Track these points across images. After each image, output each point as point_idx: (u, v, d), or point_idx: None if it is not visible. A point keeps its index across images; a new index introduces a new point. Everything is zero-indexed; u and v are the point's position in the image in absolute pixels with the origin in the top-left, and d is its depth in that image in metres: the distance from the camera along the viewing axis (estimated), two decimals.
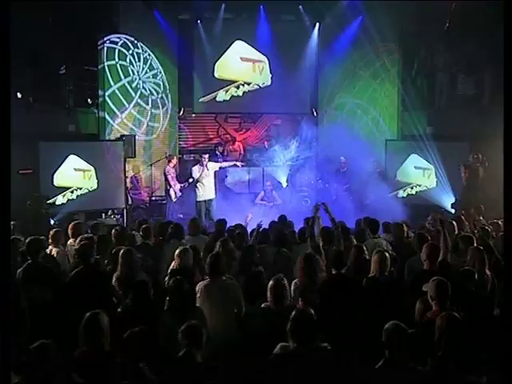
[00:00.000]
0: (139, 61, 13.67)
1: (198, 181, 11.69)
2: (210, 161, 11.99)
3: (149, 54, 13.78)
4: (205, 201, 11.77)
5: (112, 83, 13.29)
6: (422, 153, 12.46)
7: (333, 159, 13.49)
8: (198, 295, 5.48)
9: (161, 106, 14.17)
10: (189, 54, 14.10)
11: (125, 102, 13.56)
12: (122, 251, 6.05)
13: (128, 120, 13.66)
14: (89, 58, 12.80)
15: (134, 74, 13.64)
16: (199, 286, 5.54)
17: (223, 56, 14.16)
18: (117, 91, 13.39)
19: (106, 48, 13.07)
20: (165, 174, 12.52)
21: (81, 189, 11.83)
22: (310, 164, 14.04)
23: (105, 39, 13.02)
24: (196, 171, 11.73)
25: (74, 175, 11.73)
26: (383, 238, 7.74)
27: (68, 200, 11.59)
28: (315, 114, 14.76)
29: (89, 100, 12.96)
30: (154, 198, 13.21)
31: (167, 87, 14.20)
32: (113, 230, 7.41)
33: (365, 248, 6.08)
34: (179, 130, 14.74)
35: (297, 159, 14.05)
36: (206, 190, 11.78)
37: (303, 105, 14.60)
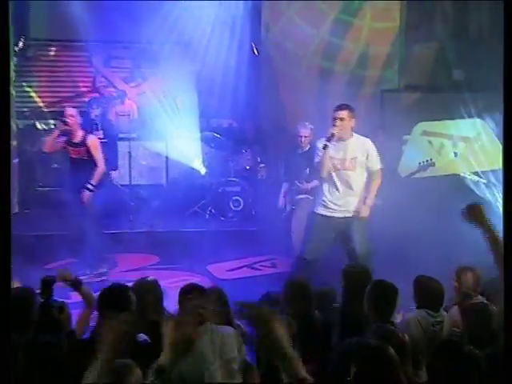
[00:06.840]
0: None
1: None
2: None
3: None
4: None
5: None
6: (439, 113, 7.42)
7: (286, 128, 7.75)
8: None
9: None
10: None
11: None
12: None
13: None
14: None
15: None
16: None
17: None
18: None
19: None
20: None
21: None
22: (244, 135, 8.11)
23: None
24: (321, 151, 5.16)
25: None
26: None
27: None
28: (256, 52, 8.79)
29: None
30: None
31: None
32: None
33: None
34: (19, 78, 8.47)
35: (224, 128, 8.33)
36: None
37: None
